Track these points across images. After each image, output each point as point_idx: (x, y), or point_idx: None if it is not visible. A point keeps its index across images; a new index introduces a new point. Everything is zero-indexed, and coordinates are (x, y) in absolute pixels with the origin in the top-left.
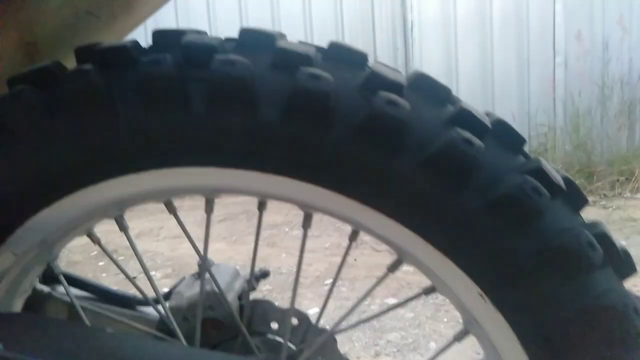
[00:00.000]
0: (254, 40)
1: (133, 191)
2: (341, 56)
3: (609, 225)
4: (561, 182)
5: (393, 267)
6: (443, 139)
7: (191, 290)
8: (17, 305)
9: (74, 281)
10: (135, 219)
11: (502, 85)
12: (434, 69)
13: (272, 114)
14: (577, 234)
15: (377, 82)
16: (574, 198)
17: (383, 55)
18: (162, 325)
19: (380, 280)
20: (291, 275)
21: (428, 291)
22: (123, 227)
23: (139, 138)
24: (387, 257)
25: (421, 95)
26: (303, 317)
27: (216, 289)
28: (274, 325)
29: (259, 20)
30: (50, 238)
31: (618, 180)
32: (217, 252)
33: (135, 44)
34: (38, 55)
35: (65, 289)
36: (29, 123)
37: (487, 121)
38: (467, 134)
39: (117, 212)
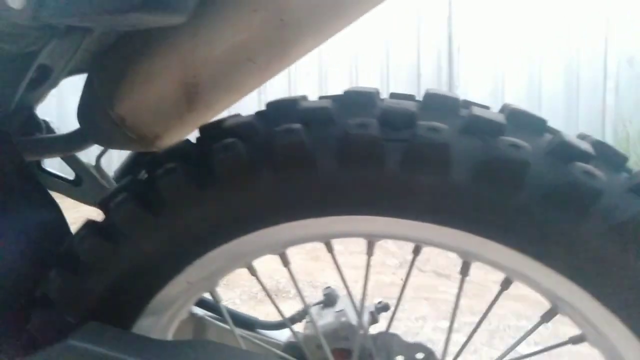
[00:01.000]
0: (440, 105)
1: (307, 233)
2: (523, 121)
3: None
4: None
5: (547, 316)
6: (629, 209)
7: (324, 320)
8: (174, 329)
9: (202, 304)
10: None
11: (550, 108)
12: (479, 90)
13: (465, 175)
14: None
15: (567, 149)
16: None
17: (427, 75)
18: (289, 350)
19: (534, 328)
20: (340, 291)
21: (576, 340)
22: (286, 263)
23: (332, 189)
24: (432, 277)
25: (604, 162)
26: (429, 352)
27: (350, 320)
28: (400, 358)
29: None
30: (220, 269)
31: None
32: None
33: (334, 104)
34: (196, 96)
35: (225, 317)
36: (236, 172)
37: None
38: None
39: (281, 250)
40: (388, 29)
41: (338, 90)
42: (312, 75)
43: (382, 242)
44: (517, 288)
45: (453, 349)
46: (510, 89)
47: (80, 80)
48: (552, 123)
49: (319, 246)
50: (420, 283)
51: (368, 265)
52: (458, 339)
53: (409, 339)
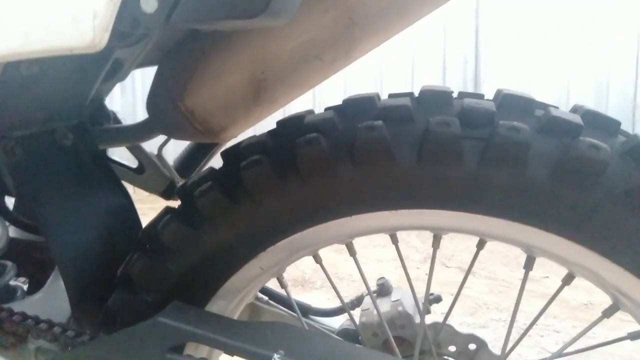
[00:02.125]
0: (518, 105)
1: (377, 225)
2: (599, 123)
3: None
4: None
5: (608, 312)
6: None
7: (382, 309)
8: (239, 311)
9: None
10: None
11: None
12: (505, 85)
13: (541, 174)
14: None
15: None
16: None
17: (452, 69)
18: (343, 336)
19: (594, 323)
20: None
21: (634, 336)
22: (353, 253)
23: (407, 184)
24: (457, 273)
25: None
26: (481, 343)
27: (407, 310)
28: (452, 348)
29: None
30: (289, 257)
31: None
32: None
33: (413, 103)
34: (263, 91)
35: (291, 303)
36: (317, 164)
37: None
38: None
39: (348, 239)
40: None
41: (364, 86)
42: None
43: (406, 236)
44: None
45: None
46: (538, 85)
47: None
48: None
49: None
50: (445, 279)
51: (433, 258)
52: (485, 334)
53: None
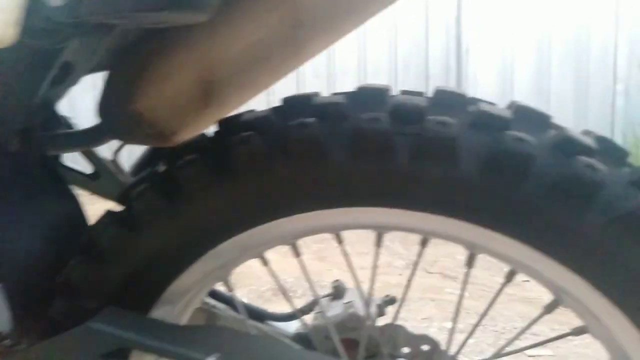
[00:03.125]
0: (450, 101)
1: (316, 224)
2: (529, 117)
3: None
4: None
5: (550, 308)
6: (630, 201)
7: (332, 311)
8: (187, 317)
9: (214, 294)
10: None
11: (559, 110)
12: (487, 91)
13: (472, 168)
14: None
15: (571, 144)
16: None
17: (435, 75)
18: (298, 341)
19: (535, 319)
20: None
21: (578, 332)
22: (297, 254)
23: (343, 182)
24: (439, 279)
25: (605, 156)
26: (434, 344)
27: (358, 311)
28: (405, 350)
29: None
30: (233, 259)
31: None
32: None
33: (346, 99)
34: (212, 93)
35: (237, 306)
36: (252, 163)
37: None
38: None
39: (292, 240)
40: (396, 30)
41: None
42: (321, 77)
43: (389, 243)
44: (523, 290)
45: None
46: (519, 91)
47: (88, 79)
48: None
49: (325, 246)
50: (427, 284)
51: (376, 256)
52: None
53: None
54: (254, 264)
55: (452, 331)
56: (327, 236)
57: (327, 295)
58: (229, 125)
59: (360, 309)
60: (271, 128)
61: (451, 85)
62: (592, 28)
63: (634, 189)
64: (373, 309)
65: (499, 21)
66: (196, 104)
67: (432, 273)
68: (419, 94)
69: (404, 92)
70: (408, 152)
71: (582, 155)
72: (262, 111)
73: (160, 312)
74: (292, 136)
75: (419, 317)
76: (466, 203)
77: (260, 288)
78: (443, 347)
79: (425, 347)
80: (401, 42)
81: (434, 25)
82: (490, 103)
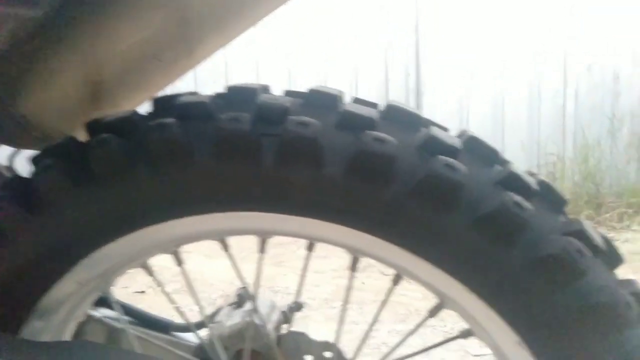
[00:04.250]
0: (319, 101)
1: (194, 231)
2: (399, 117)
3: None
4: (601, 243)
5: (434, 311)
6: (495, 200)
7: (232, 320)
8: (70, 331)
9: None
10: None
11: (513, 113)
12: (445, 95)
13: (337, 169)
14: (615, 293)
15: (435, 145)
16: (612, 257)
17: (395, 82)
18: (199, 353)
19: (420, 323)
20: (299, 296)
21: (465, 334)
22: (179, 262)
23: (210, 185)
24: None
25: (474, 157)
26: (337, 351)
27: (256, 320)
28: (309, 358)
29: None
30: (110, 269)
31: (626, 213)
32: (226, 269)
33: (213, 99)
34: (101, 94)
35: (119, 317)
36: (111, 168)
37: (533, 183)
38: (517, 197)
39: (174, 248)
40: (355, 36)
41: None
42: (281, 83)
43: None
44: None
45: (405, 350)
46: (475, 97)
47: None
48: (514, 129)
49: (282, 251)
50: (380, 286)
51: (260, 263)
52: (413, 341)
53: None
54: (206, 270)
55: (337, 337)
56: (285, 241)
57: (232, 304)
58: (93, 127)
59: (262, 318)
60: (133, 130)
61: (410, 91)
62: (544, 35)
63: (500, 188)
64: (276, 317)
65: (456, 29)
66: (85, 105)
67: (387, 275)
68: (300, 94)
69: (288, 93)
70: (272, 154)
71: (444, 155)
72: (124, 111)
73: (36, 326)
74: (150, 138)
75: (370, 320)
76: (337, 206)
77: (212, 295)
78: (346, 354)
79: (327, 354)
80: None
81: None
82: (365, 104)
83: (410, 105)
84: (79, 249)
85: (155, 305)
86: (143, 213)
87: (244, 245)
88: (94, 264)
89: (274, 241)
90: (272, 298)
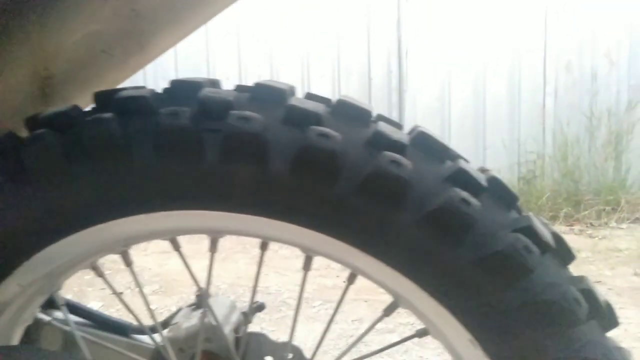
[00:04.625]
0: (266, 95)
1: (141, 230)
2: (348, 112)
3: (594, 255)
4: (550, 240)
5: (389, 310)
6: (442, 197)
7: (189, 322)
8: (18, 334)
9: (71, 308)
10: None
11: (494, 111)
12: (427, 92)
13: (282, 166)
14: (564, 290)
15: (382, 140)
16: (563, 253)
17: (377, 78)
18: (157, 355)
19: (375, 322)
20: (279, 295)
21: (421, 334)
22: (128, 263)
23: (152, 183)
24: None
25: (422, 153)
26: (297, 351)
27: (214, 321)
28: (269, 359)
29: None
30: (56, 271)
31: (604, 210)
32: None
33: (153, 93)
34: (51, 89)
35: (67, 319)
36: (47, 165)
37: (482, 179)
38: (464, 193)
39: (122, 248)
40: (338, 33)
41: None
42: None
43: None
44: None
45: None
46: (456, 93)
47: None
48: (495, 127)
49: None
50: (362, 285)
51: (211, 261)
52: (392, 338)
53: (342, 341)
54: (184, 271)
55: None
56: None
57: (191, 305)
58: (31, 123)
59: (221, 318)
60: (71, 125)
61: (392, 88)
62: (523, 34)
63: (447, 184)
64: (235, 317)
65: (438, 26)
66: (35, 101)
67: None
68: (248, 88)
69: (238, 88)
70: (215, 150)
71: (392, 151)
72: (64, 107)
73: None
74: (87, 133)
75: (350, 319)
76: (285, 203)
77: (192, 296)
78: (306, 354)
79: (288, 355)
80: (344, 45)
81: (375, 29)
82: (315, 99)
83: (392, 102)
84: (20, 251)
85: (133, 306)
86: (85, 212)
87: (225, 245)
88: (36, 265)
89: (255, 241)
90: (232, 300)
